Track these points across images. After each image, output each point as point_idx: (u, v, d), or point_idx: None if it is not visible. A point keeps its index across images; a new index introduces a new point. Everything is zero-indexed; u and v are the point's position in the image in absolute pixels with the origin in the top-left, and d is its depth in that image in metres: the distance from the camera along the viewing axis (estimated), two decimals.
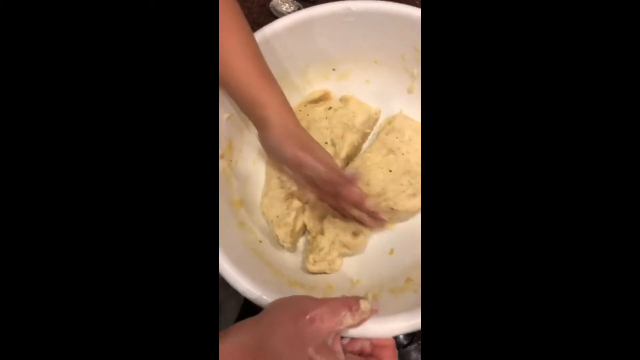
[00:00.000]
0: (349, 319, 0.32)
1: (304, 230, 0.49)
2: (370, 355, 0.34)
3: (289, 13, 0.62)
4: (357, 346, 0.34)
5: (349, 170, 0.43)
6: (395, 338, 0.38)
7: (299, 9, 0.63)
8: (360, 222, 0.46)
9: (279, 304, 0.33)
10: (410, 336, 0.47)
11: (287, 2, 0.64)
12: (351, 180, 0.42)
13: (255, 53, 0.43)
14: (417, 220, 0.49)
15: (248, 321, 0.32)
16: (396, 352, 0.34)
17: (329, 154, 0.44)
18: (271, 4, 0.65)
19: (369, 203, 0.43)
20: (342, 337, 0.33)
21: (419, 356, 0.47)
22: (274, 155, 0.43)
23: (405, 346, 0.46)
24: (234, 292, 0.51)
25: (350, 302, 0.33)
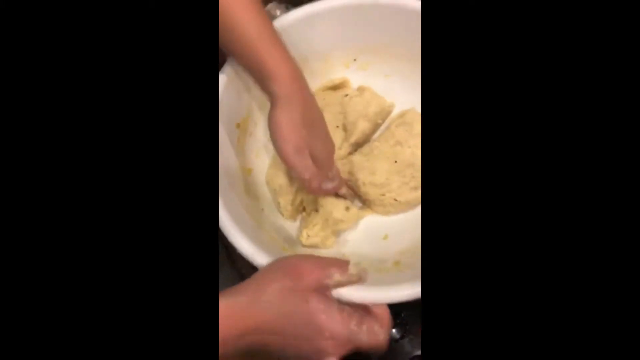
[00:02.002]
0: (337, 275, 0.34)
1: (304, 206, 0.51)
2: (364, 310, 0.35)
3: None
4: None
5: (329, 181, 0.45)
6: None
7: None
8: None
9: (269, 265, 0.36)
10: (402, 330, 0.48)
11: (281, 9, 0.63)
12: (328, 190, 0.45)
13: (263, 10, 0.41)
14: (414, 212, 0.51)
15: (240, 284, 0.34)
16: (388, 311, 0.36)
17: (329, 147, 0.46)
18: (266, 8, 0.63)
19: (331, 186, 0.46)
20: None
21: (412, 349, 0.47)
22: (271, 140, 0.44)
23: (397, 340, 0.47)
24: None
25: (340, 262, 0.35)
